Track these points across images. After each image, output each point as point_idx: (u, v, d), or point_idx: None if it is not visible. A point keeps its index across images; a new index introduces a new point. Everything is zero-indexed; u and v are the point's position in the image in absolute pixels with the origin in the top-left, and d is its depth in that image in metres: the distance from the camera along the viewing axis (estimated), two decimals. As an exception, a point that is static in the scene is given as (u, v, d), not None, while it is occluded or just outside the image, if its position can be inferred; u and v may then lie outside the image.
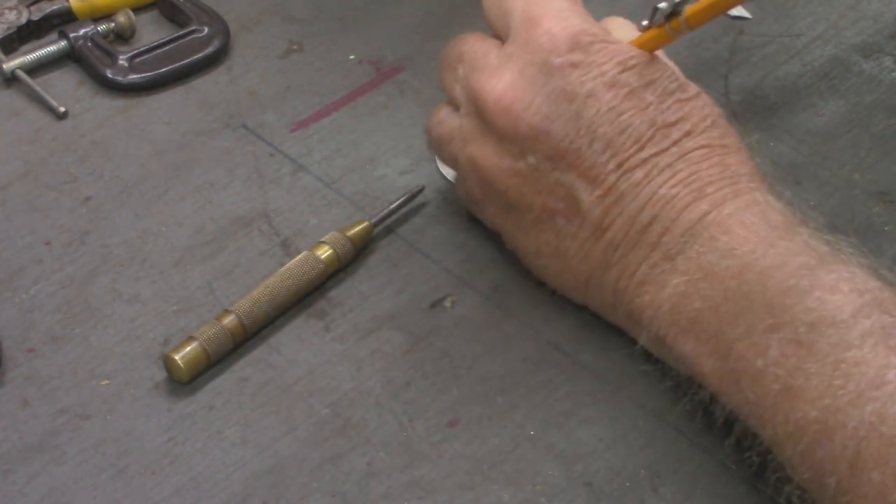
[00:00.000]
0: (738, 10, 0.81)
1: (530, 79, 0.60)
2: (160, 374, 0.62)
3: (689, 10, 0.59)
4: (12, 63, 0.78)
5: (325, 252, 0.65)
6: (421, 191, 0.69)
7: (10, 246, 0.68)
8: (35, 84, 0.77)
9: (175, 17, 0.82)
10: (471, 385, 0.61)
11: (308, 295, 0.65)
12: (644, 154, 0.58)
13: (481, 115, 0.61)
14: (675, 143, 0.59)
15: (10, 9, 0.80)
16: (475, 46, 0.63)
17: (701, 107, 0.60)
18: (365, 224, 0.67)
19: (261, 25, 0.82)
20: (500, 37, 0.63)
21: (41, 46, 0.79)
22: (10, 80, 0.78)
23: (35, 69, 0.78)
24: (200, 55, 0.79)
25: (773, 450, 0.53)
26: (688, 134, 0.59)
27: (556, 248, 0.61)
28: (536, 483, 0.57)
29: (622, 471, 0.58)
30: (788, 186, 0.70)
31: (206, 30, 0.80)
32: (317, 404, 0.61)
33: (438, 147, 0.66)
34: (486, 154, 0.62)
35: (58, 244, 0.68)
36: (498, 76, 0.61)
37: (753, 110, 0.75)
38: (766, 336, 0.52)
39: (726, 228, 0.56)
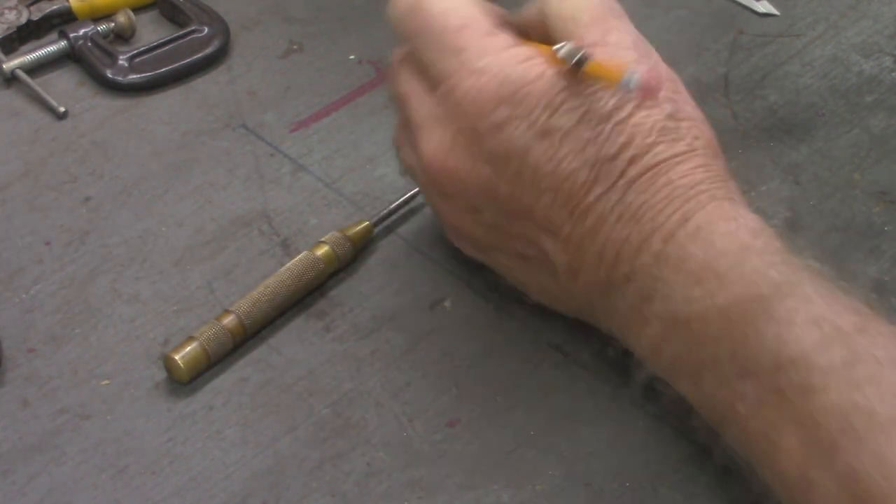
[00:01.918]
0: (765, 7, 0.81)
1: (464, 145, 0.58)
2: (160, 374, 0.62)
3: (590, 66, 0.55)
4: (12, 63, 0.78)
5: (324, 252, 0.65)
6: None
7: (10, 246, 0.68)
8: (35, 84, 0.77)
9: (175, 17, 0.82)
10: (471, 385, 0.61)
11: (308, 295, 0.65)
12: (591, 197, 0.56)
13: (427, 175, 0.60)
14: (621, 174, 0.56)
15: (10, 9, 0.80)
16: (407, 91, 0.61)
17: (641, 122, 0.56)
18: (365, 224, 0.67)
19: (261, 25, 0.82)
20: (425, 73, 0.60)
21: (41, 46, 0.79)
22: (10, 80, 0.78)
23: (35, 69, 0.78)
24: (200, 55, 0.79)
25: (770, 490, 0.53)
26: (632, 161, 0.56)
27: (541, 285, 0.61)
28: (536, 483, 0.57)
29: (622, 471, 0.58)
30: (788, 186, 0.70)
31: (206, 30, 0.80)
32: (317, 404, 0.61)
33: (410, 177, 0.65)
34: (444, 209, 0.61)
35: (58, 244, 0.68)
36: (434, 138, 0.59)
37: (753, 110, 0.75)
38: (739, 383, 0.52)
39: (678, 267, 0.54)
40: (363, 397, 0.61)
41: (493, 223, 0.59)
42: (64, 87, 0.78)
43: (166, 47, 0.79)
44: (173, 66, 0.78)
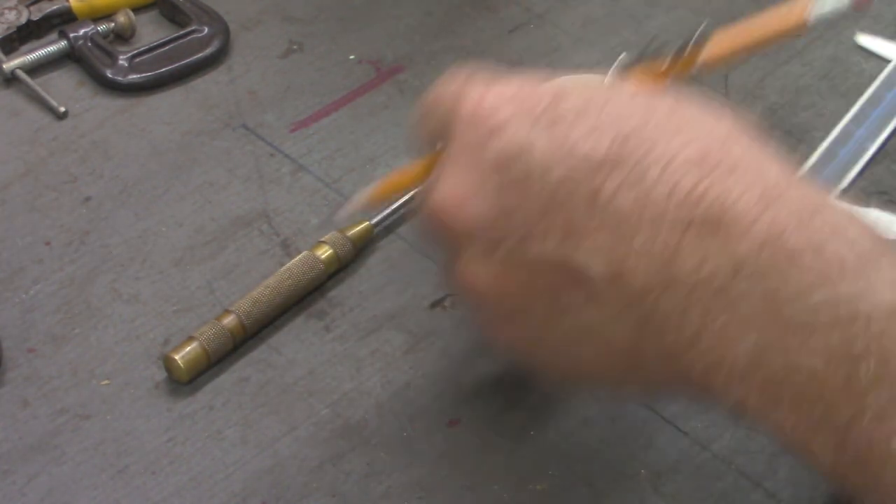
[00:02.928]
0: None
1: (466, 166, 0.50)
2: (160, 374, 0.62)
3: (711, 50, 0.52)
4: (12, 63, 0.78)
5: (325, 252, 0.65)
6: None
7: (10, 246, 0.68)
8: (35, 84, 0.77)
9: (175, 17, 0.82)
10: (471, 385, 0.61)
11: (308, 295, 0.65)
12: (616, 179, 0.46)
13: (441, 232, 0.51)
14: (647, 153, 0.46)
15: (10, 9, 0.80)
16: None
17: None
18: (365, 224, 0.67)
19: (261, 25, 0.82)
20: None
21: (41, 46, 0.79)
22: (10, 80, 0.78)
23: (35, 69, 0.78)
24: (200, 55, 0.79)
25: None
26: (659, 142, 0.47)
27: (583, 325, 0.49)
28: (536, 483, 0.57)
29: (622, 471, 0.58)
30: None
31: (206, 30, 0.80)
32: (317, 404, 0.61)
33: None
34: (467, 270, 0.51)
35: (58, 244, 0.68)
36: (438, 184, 0.51)
37: (753, 110, 0.75)
38: None
39: (793, 252, 0.44)
40: (363, 397, 0.61)
41: (513, 259, 0.49)
42: (64, 87, 0.78)
43: (166, 47, 0.79)
44: (173, 66, 0.78)
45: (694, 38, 0.52)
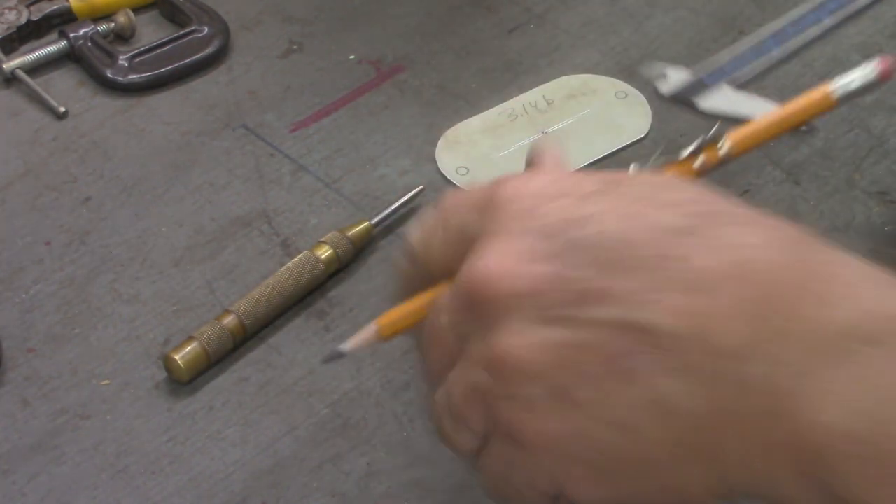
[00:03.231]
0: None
1: (513, 235, 0.48)
2: (160, 374, 0.62)
3: (733, 137, 0.53)
4: (12, 63, 0.78)
5: (325, 252, 0.65)
6: (421, 191, 0.69)
7: (10, 246, 0.68)
8: (35, 84, 0.77)
9: (175, 17, 0.82)
10: (471, 385, 0.61)
11: (308, 295, 0.65)
12: (688, 242, 0.45)
13: (478, 307, 0.48)
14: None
15: (10, 9, 0.80)
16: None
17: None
18: (365, 224, 0.67)
19: (261, 25, 0.82)
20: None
21: (41, 46, 0.79)
22: (10, 80, 0.78)
23: (35, 69, 0.78)
24: (200, 55, 0.79)
25: None
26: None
27: (650, 395, 0.45)
28: (536, 483, 0.57)
29: (622, 471, 0.58)
30: (788, 186, 0.70)
31: (206, 30, 0.80)
32: (317, 404, 0.61)
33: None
34: (511, 343, 0.46)
35: (58, 244, 0.68)
36: (479, 259, 0.48)
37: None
38: None
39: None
40: (363, 397, 0.61)
41: (569, 324, 0.46)
42: (64, 87, 0.78)
43: (166, 47, 0.79)
44: (173, 66, 0.78)
45: (709, 137, 0.52)
